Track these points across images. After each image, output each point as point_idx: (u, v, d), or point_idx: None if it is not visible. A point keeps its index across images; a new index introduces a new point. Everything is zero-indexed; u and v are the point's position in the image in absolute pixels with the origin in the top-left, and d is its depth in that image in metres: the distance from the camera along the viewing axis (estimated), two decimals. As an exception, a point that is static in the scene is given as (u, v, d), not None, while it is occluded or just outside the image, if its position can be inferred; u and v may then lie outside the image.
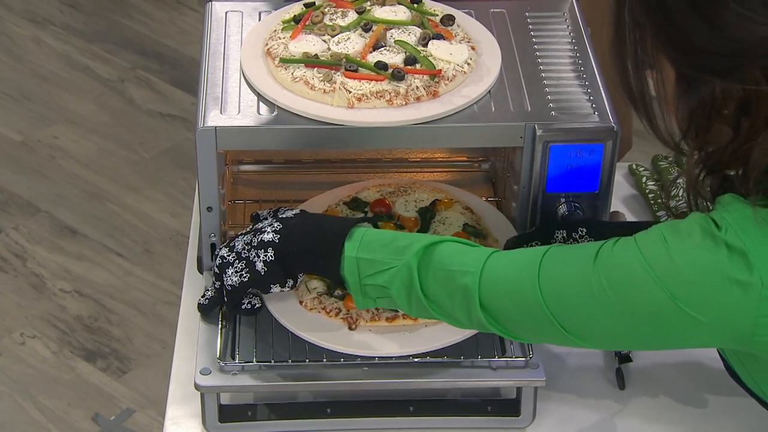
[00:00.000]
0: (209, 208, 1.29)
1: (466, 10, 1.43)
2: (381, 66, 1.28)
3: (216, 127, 1.24)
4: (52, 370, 2.44)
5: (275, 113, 1.26)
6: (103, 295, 2.62)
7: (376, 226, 1.26)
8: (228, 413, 1.23)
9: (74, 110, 3.19)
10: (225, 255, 1.19)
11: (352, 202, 1.37)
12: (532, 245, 1.25)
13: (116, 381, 2.42)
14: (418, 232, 1.33)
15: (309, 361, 1.21)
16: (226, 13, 1.42)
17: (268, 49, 1.33)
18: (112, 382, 2.41)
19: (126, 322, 2.55)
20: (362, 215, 1.36)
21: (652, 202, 1.55)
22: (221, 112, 1.26)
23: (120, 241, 2.77)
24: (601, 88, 1.31)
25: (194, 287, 1.38)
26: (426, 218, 1.35)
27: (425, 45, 1.33)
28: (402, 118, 1.24)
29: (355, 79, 1.27)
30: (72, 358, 2.46)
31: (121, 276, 2.67)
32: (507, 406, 1.25)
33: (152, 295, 2.62)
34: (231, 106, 1.27)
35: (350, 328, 1.22)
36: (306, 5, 1.39)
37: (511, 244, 1.27)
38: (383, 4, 1.37)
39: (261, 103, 1.27)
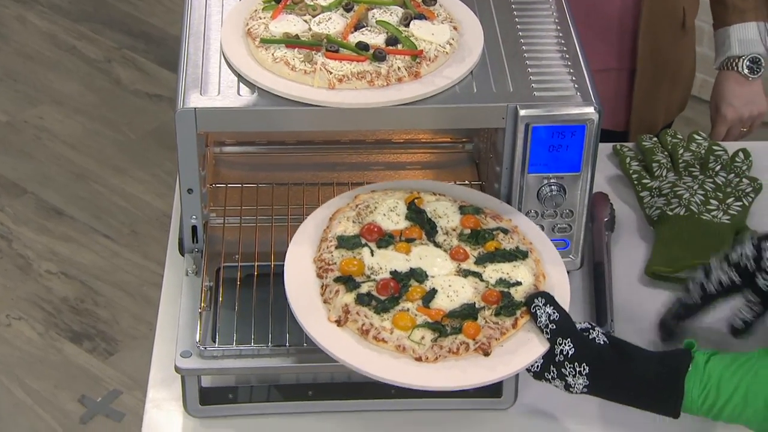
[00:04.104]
0: (190, 190, 1.29)
1: (449, -10, 1.42)
2: (362, 46, 1.27)
3: (196, 108, 1.23)
4: (39, 352, 2.43)
5: (256, 94, 1.25)
6: (89, 277, 2.61)
7: (382, 248, 1.22)
8: (209, 396, 1.23)
9: (60, 90, 3.17)
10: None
11: (342, 243, 1.22)
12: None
13: (103, 362, 2.42)
14: (426, 235, 1.23)
15: (289, 345, 1.20)
16: (206, -8, 1.41)
17: (249, 29, 1.32)
18: (99, 363, 2.41)
19: (113, 303, 2.55)
20: (363, 248, 1.21)
21: (635, 182, 1.55)
22: (201, 93, 1.25)
23: (106, 222, 2.76)
24: (584, 69, 1.31)
25: (176, 269, 1.38)
26: (423, 221, 1.26)
27: (407, 25, 1.32)
28: (383, 99, 1.23)
29: (336, 59, 1.26)
30: (58, 339, 2.46)
31: (108, 257, 2.67)
32: (489, 387, 1.24)
33: (139, 277, 2.62)
34: (211, 87, 1.26)
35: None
36: (287, -15, 1.37)
37: None
38: (365, -16, 1.36)
39: (241, 84, 1.26)
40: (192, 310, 1.24)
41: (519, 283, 1.19)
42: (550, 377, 1.14)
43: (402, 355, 1.13)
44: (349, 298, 1.16)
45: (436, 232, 1.25)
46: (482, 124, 1.32)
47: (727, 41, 1.72)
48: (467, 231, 1.25)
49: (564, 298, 1.19)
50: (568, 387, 1.14)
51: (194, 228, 1.31)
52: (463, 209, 1.28)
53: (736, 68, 1.71)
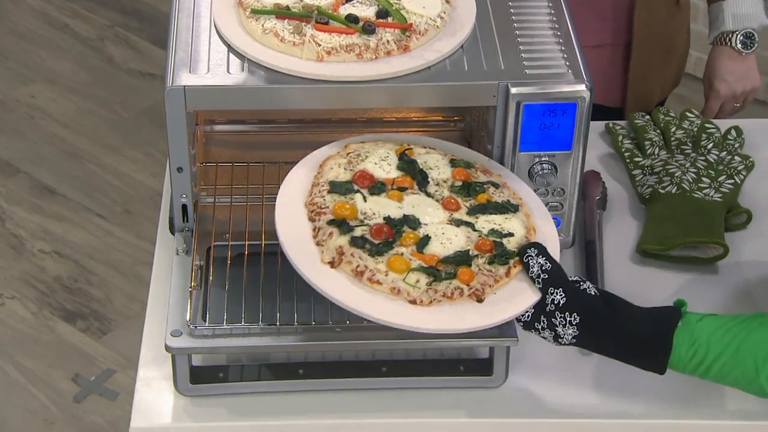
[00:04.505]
0: (179, 169, 1.28)
1: (441, -34, 1.40)
2: (352, 19, 1.27)
3: (185, 86, 1.22)
4: (32, 331, 2.43)
5: (245, 72, 1.25)
6: (82, 256, 2.61)
7: (375, 194, 1.21)
8: (199, 375, 1.23)
9: (53, 69, 3.16)
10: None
11: (334, 188, 1.22)
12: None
13: (96, 342, 2.42)
14: (418, 185, 1.23)
15: (280, 324, 1.20)
16: (196, -31, 1.40)
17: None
18: (93, 342, 2.41)
19: (106, 282, 2.55)
20: (355, 193, 1.21)
21: (627, 160, 1.54)
22: (191, 72, 1.24)
23: (99, 201, 2.75)
24: (575, 47, 1.30)
25: (167, 248, 1.38)
26: (414, 171, 1.25)
27: (398, -2, 1.31)
28: (371, 72, 1.23)
29: (325, 32, 1.25)
30: (52, 318, 2.46)
31: (101, 236, 2.66)
32: (480, 365, 1.25)
33: (132, 256, 2.61)
34: (201, 65, 1.26)
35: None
36: (278, -41, 1.36)
37: None
38: (356, -42, 1.35)
39: (230, 60, 1.26)
40: (182, 289, 1.24)
41: (511, 235, 1.20)
42: (540, 327, 1.14)
43: (396, 297, 1.13)
44: (343, 240, 1.16)
45: (428, 182, 1.25)
46: (473, 102, 1.32)
47: (721, 16, 1.71)
48: (458, 183, 1.25)
49: (554, 252, 1.19)
50: (557, 338, 1.14)
51: (184, 207, 1.31)
52: (454, 162, 1.28)
53: (729, 43, 1.71)
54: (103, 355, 2.39)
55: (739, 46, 1.70)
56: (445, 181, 1.25)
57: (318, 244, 1.16)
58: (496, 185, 1.25)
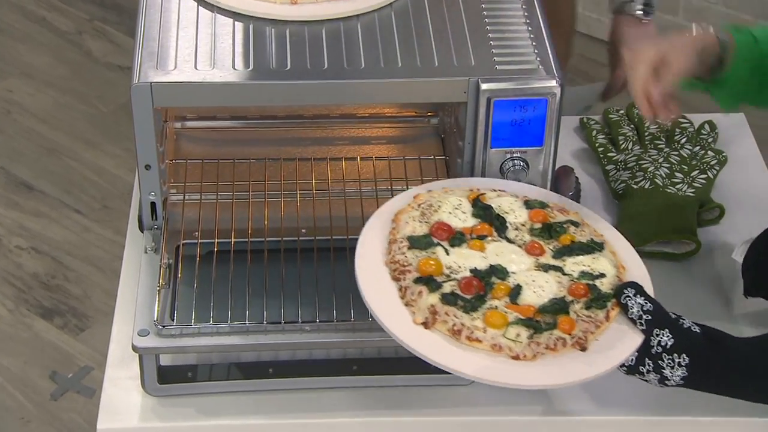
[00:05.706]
0: (147, 167, 1.27)
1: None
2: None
3: (152, 83, 1.21)
4: (9, 329, 2.41)
5: (214, 68, 1.23)
6: (60, 252, 2.59)
7: (455, 246, 1.18)
8: (168, 374, 1.22)
9: (30, 63, 3.13)
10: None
11: (414, 243, 1.17)
12: None
13: (74, 339, 2.40)
14: (496, 231, 1.20)
15: (249, 322, 1.19)
16: (164, -37, 1.38)
17: (213, -52, 1.32)
18: (70, 339, 2.40)
19: (84, 279, 2.53)
20: (436, 247, 1.17)
21: (601, 156, 1.54)
22: (158, 68, 1.23)
23: (77, 197, 2.73)
24: (547, 42, 1.29)
25: (136, 246, 1.36)
26: (491, 217, 1.21)
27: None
28: (343, 9, 1.28)
29: (296, -24, 1.29)
30: (29, 316, 2.44)
31: (79, 232, 2.64)
32: (451, 363, 1.24)
33: (110, 252, 2.59)
34: (169, 61, 1.24)
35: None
36: None
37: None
38: None
39: (198, 57, 1.24)
40: (150, 288, 1.23)
41: (603, 275, 1.16)
42: (645, 371, 1.10)
43: (498, 354, 1.09)
44: (434, 298, 1.12)
45: (506, 227, 1.21)
46: (443, 98, 1.31)
47: None
48: (538, 225, 1.21)
49: (648, 288, 1.15)
50: (663, 380, 1.10)
51: (153, 205, 1.30)
52: (528, 204, 1.24)
53: (630, 11, 1.68)
54: (81, 352, 2.37)
55: (639, 14, 1.68)
56: (523, 225, 1.21)
57: (407, 304, 1.13)
58: (575, 224, 1.22)
